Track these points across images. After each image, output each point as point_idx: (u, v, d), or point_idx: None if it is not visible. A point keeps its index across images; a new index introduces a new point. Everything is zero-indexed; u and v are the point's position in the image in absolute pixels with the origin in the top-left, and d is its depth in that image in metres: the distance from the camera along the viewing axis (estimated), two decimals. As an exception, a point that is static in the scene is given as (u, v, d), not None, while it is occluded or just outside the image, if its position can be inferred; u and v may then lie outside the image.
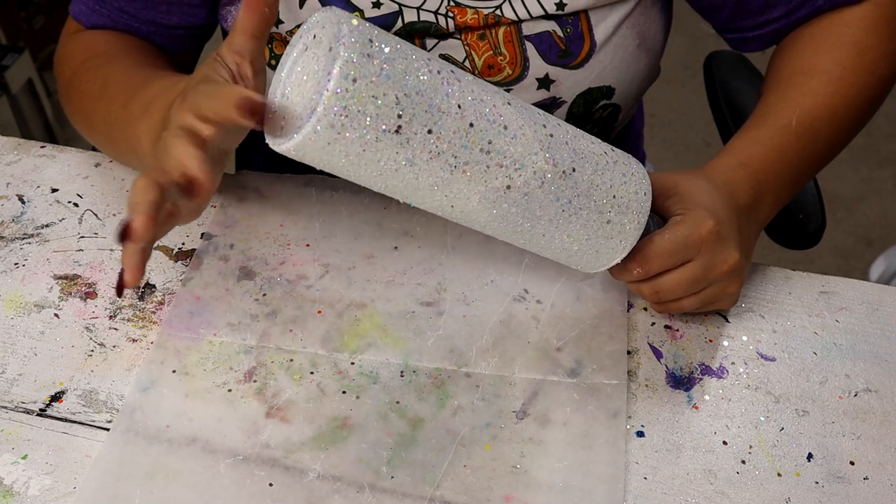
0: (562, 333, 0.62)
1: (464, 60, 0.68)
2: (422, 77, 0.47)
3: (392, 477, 0.55)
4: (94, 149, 0.79)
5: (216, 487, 0.54)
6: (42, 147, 0.76)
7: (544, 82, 0.69)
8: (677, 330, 0.64)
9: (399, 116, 0.47)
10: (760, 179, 0.63)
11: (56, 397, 0.59)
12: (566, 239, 0.55)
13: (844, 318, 0.65)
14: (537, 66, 0.68)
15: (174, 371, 0.60)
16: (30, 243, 0.69)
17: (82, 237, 0.69)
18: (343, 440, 0.56)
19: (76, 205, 0.72)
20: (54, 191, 0.73)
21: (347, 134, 0.46)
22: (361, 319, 0.63)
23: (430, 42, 0.68)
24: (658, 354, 0.62)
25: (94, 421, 0.58)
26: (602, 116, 0.75)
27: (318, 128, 0.46)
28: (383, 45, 0.47)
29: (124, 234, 0.45)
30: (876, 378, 0.61)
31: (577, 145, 0.54)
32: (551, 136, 0.52)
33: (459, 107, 0.49)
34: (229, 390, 0.59)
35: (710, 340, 0.63)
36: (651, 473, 0.56)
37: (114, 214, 0.71)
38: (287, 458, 0.55)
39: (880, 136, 2.06)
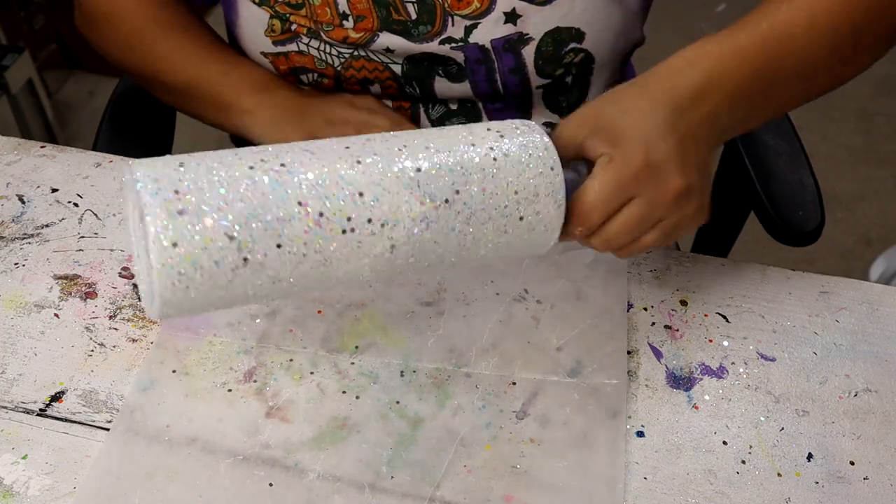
0: (562, 333, 0.62)
1: None
2: (247, 194, 0.44)
3: (392, 477, 0.55)
4: (94, 148, 0.79)
5: (216, 488, 0.54)
6: (42, 147, 0.76)
7: (511, 16, 0.70)
8: (677, 330, 0.64)
9: (239, 250, 0.44)
10: (714, 77, 0.55)
11: (56, 397, 0.59)
12: (484, 254, 0.52)
13: (844, 318, 0.65)
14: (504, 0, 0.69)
15: (174, 371, 0.60)
16: (30, 243, 0.69)
17: (82, 237, 0.69)
18: (343, 440, 0.56)
19: (76, 205, 0.72)
20: (54, 191, 0.73)
21: (197, 289, 0.44)
22: (361, 319, 0.63)
23: None
24: (658, 354, 0.62)
25: (94, 421, 0.58)
26: (573, 62, 0.74)
27: (164, 302, 0.44)
28: (189, 191, 0.44)
29: None
30: (876, 378, 0.61)
31: (454, 162, 0.49)
32: (419, 170, 0.48)
33: (300, 203, 0.45)
34: (229, 390, 0.59)
35: (710, 340, 0.63)
36: (651, 473, 0.56)
37: (114, 214, 0.71)
38: (287, 458, 0.55)
39: (880, 136, 2.06)
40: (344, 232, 0.46)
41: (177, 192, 0.43)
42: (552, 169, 0.51)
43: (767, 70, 0.57)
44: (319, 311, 0.64)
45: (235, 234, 0.44)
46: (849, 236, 1.83)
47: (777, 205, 0.84)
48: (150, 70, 0.76)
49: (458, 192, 0.49)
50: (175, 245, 0.43)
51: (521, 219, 0.51)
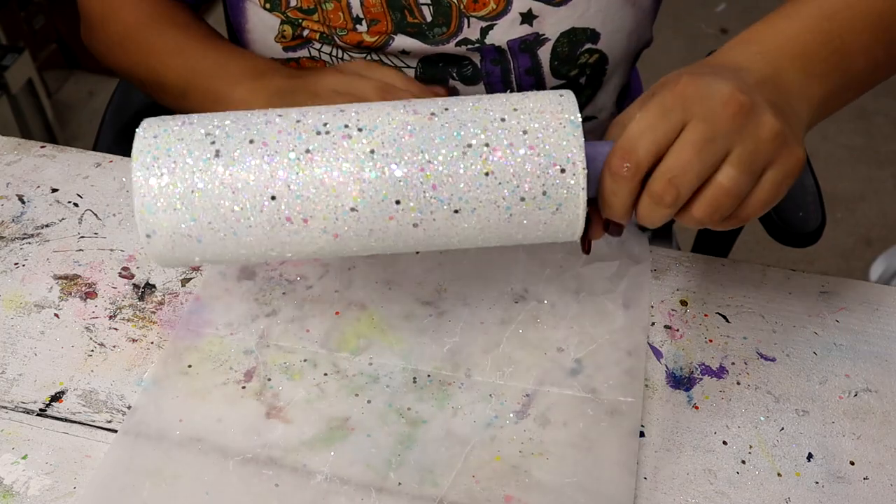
0: (562, 333, 0.62)
1: None
2: (230, 117, 0.49)
3: (392, 477, 0.55)
4: (94, 148, 0.79)
5: (217, 489, 0.54)
6: (42, 147, 0.76)
7: (527, 17, 0.70)
8: (677, 330, 0.64)
9: (213, 144, 0.46)
10: (771, 46, 0.51)
11: (56, 397, 0.59)
12: (489, 185, 0.47)
13: (844, 318, 0.65)
14: (521, 0, 0.69)
15: (174, 371, 0.60)
16: (30, 243, 0.69)
17: (82, 237, 0.69)
18: (342, 440, 0.56)
19: (76, 205, 0.72)
20: (54, 191, 0.73)
21: (171, 179, 0.46)
22: (361, 319, 0.63)
23: None
24: (658, 354, 0.62)
25: (94, 421, 0.58)
26: (588, 63, 0.74)
27: (141, 196, 0.46)
28: (182, 117, 0.49)
29: None
30: (876, 378, 0.61)
31: (453, 97, 0.49)
32: (409, 101, 0.49)
33: (280, 115, 0.48)
34: (229, 390, 0.59)
35: (710, 340, 0.63)
36: (651, 473, 0.56)
37: (113, 214, 0.71)
38: (287, 458, 0.55)
39: (880, 136, 2.06)
40: (318, 133, 0.47)
41: (173, 115, 0.49)
42: (562, 96, 0.48)
43: (834, 32, 0.53)
44: (320, 311, 0.64)
45: (210, 131, 0.47)
46: (849, 236, 1.83)
47: (777, 206, 0.84)
48: (144, 69, 0.74)
49: (447, 108, 0.48)
50: (156, 137, 0.47)
51: (525, 133, 0.46)
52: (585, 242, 0.54)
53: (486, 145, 0.47)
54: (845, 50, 0.54)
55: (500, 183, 0.47)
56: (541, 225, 0.49)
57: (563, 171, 0.47)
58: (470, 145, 0.47)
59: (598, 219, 0.53)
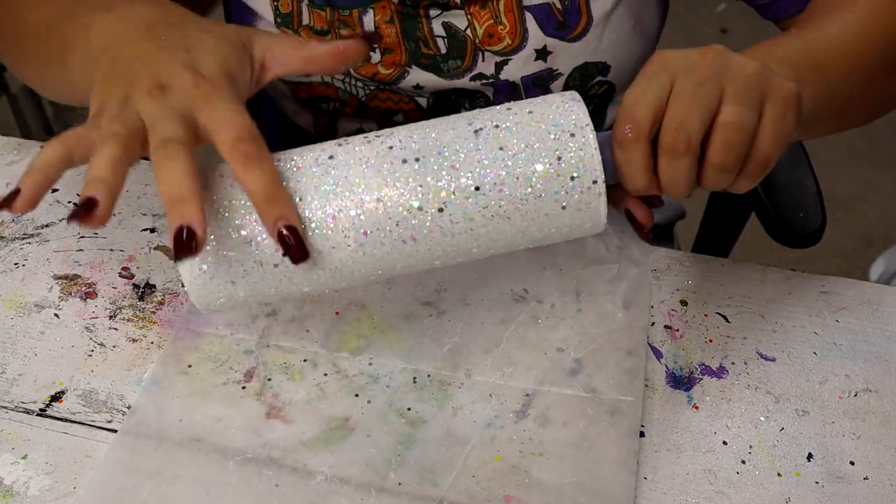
0: (562, 333, 0.62)
1: (465, 29, 0.69)
2: None
3: (392, 477, 0.55)
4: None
5: (217, 489, 0.54)
6: (42, 147, 0.76)
7: (542, 53, 0.70)
8: (677, 330, 0.64)
9: None
10: (753, 53, 0.53)
11: (56, 397, 0.59)
12: (504, 146, 0.49)
13: (844, 318, 0.65)
14: (536, 37, 0.69)
15: (174, 371, 0.60)
16: (30, 243, 0.69)
17: (82, 237, 0.69)
18: (343, 440, 0.56)
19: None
20: (54, 191, 0.73)
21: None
22: (361, 319, 0.63)
23: (433, 12, 0.68)
24: (658, 354, 0.62)
25: (94, 421, 0.58)
26: (598, 94, 0.75)
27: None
28: None
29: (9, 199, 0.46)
30: (876, 378, 0.61)
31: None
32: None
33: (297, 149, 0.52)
34: (229, 390, 0.59)
35: (710, 340, 0.63)
36: (651, 473, 0.56)
37: (113, 214, 0.71)
38: (287, 458, 0.55)
39: (880, 137, 2.06)
40: (339, 145, 0.51)
41: None
42: (572, 97, 0.51)
43: (812, 53, 0.56)
44: (320, 312, 0.64)
45: None
46: (849, 237, 1.83)
47: (778, 206, 0.84)
48: (10, 16, 0.60)
49: (454, 114, 0.52)
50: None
51: (531, 112, 0.50)
52: (640, 227, 0.55)
53: (496, 126, 0.50)
54: (823, 68, 0.56)
55: (514, 154, 0.49)
56: (563, 195, 0.49)
57: (572, 135, 0.49)
58: (481, 129, 0.50)
59: (634, 199, 0.54)
